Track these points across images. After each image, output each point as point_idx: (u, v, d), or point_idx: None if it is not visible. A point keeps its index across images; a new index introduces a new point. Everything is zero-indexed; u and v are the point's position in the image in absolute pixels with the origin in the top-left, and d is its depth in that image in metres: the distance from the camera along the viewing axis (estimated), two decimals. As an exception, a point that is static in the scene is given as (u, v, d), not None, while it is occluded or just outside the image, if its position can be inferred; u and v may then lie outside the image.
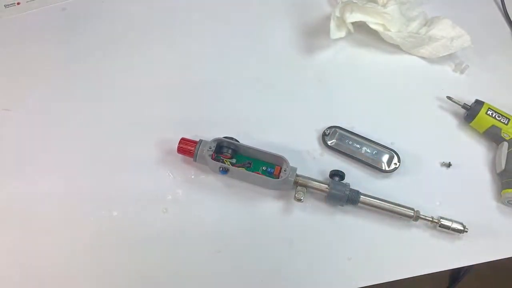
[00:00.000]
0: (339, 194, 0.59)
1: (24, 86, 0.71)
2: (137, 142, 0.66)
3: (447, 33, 0.72)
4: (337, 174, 0.61)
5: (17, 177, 0.64)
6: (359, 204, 0.60)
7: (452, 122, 0.69)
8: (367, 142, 0.65)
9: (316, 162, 0.65)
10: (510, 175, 0.62)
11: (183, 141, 0.62)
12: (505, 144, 0.64)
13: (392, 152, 0.65)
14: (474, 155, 0.67)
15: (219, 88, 0.71)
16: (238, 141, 0.62)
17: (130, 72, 0.72)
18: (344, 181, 0.61)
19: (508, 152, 0.63)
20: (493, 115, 0.65)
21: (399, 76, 0.73)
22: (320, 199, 0.62)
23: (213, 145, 0.60)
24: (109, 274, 0.59)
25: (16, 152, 0.66)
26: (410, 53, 0.74)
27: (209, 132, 0.65)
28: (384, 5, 0.72)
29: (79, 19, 0.77)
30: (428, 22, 0.75)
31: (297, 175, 0.60)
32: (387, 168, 0.64)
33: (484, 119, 0.65)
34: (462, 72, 0.73)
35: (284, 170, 0.60)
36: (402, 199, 0.61)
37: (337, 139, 0.66)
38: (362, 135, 0.66)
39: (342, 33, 0.72)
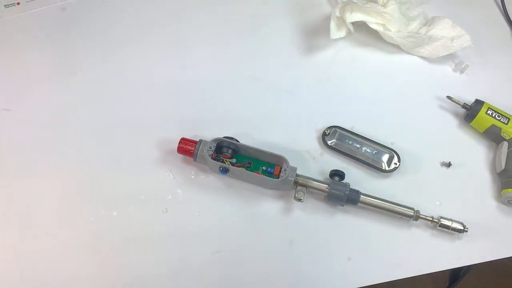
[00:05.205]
0: (339, 194, 0.59)
1: (24, 86, 0.71)
2: (137, 142, 0.66)
3: (447, 33, 0.72)
4: (337, 174, 0.61)
5: (17, 177, 0.64)
6: (359, 204, 0.60)
7: (452, 122, 0.69)
8: (367, 142, 0.65)
9: (316, 162, 0.65)
10: (510, 174, 0.62)
11: (183, 141, 0.62)
12: (505, 143, 0.64)
13: (392, 152, 0.65)
14: (474, 155, 0.67)
15: (219, 88, 0.71)
16: (238, 141, 0.62)
17: (130, 72, 0.72)
18: (344, 181, 0.61)
19: (508, 152, 0.63)
20: (493, 115, 0.65)
21: (399, 76, 0.73)
22: (320, 199, 0.62)
23: (213, 145, 0.60)
24: (109, 274, 0.59)
25: (16, 152, 0.65)
26: (410, 53, 0.74)
27: (209, 132, 0.65)
28: (384, 5, 0.72)
29: (79, 19, 0.77)
30: (428, 22, 0.75)
31: (297, 175, 0.60)
32: (387, 168, 0.64)
33: (484, 118, 0.65)
34: (462, 72, 0.73)
35: (284, 170, 0.60)
36: (402, 199, 0.61)
37: (337, 139, 0.66)
38: (362, 135, 0.66)
39: (342, 33, 0.72)
